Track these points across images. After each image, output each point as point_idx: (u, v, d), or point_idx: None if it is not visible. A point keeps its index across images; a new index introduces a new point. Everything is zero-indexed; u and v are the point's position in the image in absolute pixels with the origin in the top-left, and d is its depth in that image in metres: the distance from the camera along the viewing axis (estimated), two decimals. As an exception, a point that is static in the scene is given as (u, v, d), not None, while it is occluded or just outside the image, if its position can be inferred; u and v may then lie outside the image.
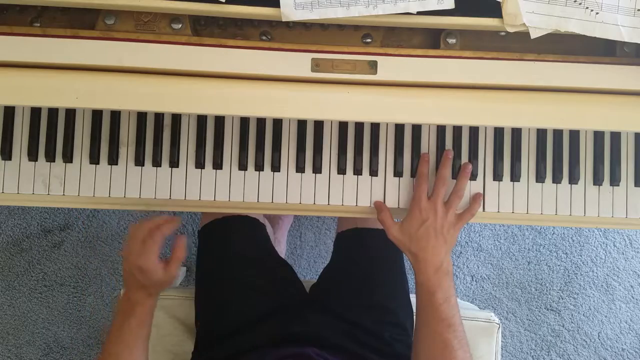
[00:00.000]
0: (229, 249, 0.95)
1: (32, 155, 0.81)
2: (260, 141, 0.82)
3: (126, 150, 0.82)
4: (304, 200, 0.83)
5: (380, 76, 0.71)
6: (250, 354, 0.79)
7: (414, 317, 0.93)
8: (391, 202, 0.83)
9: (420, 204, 0.78)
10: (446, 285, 0.75)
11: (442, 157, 0.82)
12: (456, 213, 0.79)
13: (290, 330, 0.84)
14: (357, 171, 0.83)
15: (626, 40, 0.68)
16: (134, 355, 0.76)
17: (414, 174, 0.83)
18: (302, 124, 0.83)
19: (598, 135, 0.85)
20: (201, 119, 0.82)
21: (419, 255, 0.76)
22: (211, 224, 0.99)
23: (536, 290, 1.61)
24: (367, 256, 0.97)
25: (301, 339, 0.82)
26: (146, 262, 0.74)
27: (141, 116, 0.82)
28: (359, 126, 0.84)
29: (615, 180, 0.84)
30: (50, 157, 0.81)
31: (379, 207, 0.82)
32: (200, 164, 0.82)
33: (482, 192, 0.84)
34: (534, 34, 0.67)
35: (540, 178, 0.84)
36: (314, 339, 0.82)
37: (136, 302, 0.76)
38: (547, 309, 1.61)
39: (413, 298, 0.91)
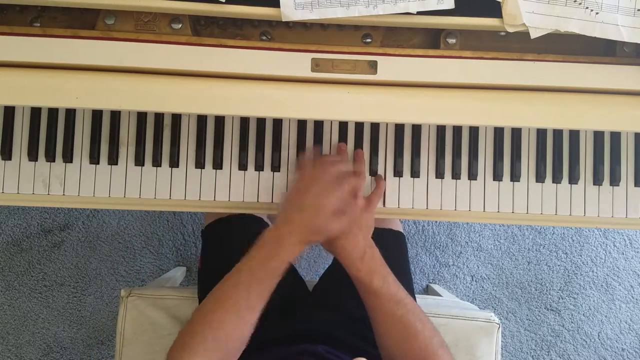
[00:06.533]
0: (233, 248, 0.95)
1: (32, 155, 0.81)
2: (260, 141, 0.82)
3: (126, 150, 0.82)
4: (304, 200, 0.82)
5: (380, 76, 0.71)
6: (257, 352, 0.79)
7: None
8: (391, 203, 0.83)
9: None
10: (378, 268, 0.75)
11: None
12: (364, 197, 0.78)
13: (298, 328, 0.84)
14: (357, 171, 0.83)
15: (626, 40, 0.68)
16: (257, 309, 0.70)
17: (414, 173, 0.83)
18: (302, 124, 0.83)
19: (598, 135, 0.85)
20: (201, 119, 0.82)
21: (341, 253, 0.75)
22: (215, 224, 0.99)
23: (536, 290, 1.61)
24: None
25: (309, 336, 0.82)
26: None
27: (141, 116, 0.82)
28: (359, 126, 0.84)
29: (615, 180, 0.84)
30: (50, 157, 0.81)
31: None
32: (200, 164, 0.82)
33: (482, 191, 0.84)
34: (534, 34, 0.67)
35: (540, 178, 0.84)
36: (322, 336, 0.82)
37: (289, 244, 0.70)
38: (547, 309, 1.61)
39: (417, 297, 0.91)
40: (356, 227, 0.76)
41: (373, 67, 0.71)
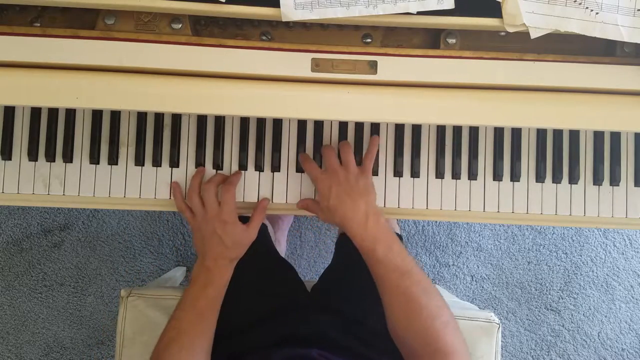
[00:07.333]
0: None
1: (32, 155, 0.81)
2: (260, 141, 0.82)
3: (126, 150, 0.82)
4: (304, 200, 0.82)
5: (380, 76, 0.71)
6: (253, 354, 0.79)
7: None
8: (391, 203, 0.83)
9: (318, 177, 0.78)
10: (382, 235, 0.74)
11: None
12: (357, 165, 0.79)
13: (294, 330, 0.84)
14: (357, 171, 0.83)
15: (626, 40, 0.68)
16: (205, 325, 0.76)
17: (414, 173, 0.83)
18: (302, 124, 0.83)
19: (598, 135, 0.85)
20: (201, 119, 0.82)
21: (345, 223, 0.75)
22: None
23: (536, 290, 1.61)
24: None
25: (305, 339, 0.81)
26: (228, 213, 0.76)
27: (141, 116, 0.82)
28: (359, 126, 0.84)
29: (615, 180, 0.84)
30: (50, 157, 0.81)
31: (303, 206, 0.82)
32: (200, 164, 0.82)
33: (482, 191, 0.84)
34: (534, 34, 0.67)
35: (540, 178, 0.84)
36: (318, 339, 0.82)
37: (215, 271, 0.77)
38: (547, 309, 1.61)
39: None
40: (355, 193, 0.76)
41: (373, 67, 0.71)
